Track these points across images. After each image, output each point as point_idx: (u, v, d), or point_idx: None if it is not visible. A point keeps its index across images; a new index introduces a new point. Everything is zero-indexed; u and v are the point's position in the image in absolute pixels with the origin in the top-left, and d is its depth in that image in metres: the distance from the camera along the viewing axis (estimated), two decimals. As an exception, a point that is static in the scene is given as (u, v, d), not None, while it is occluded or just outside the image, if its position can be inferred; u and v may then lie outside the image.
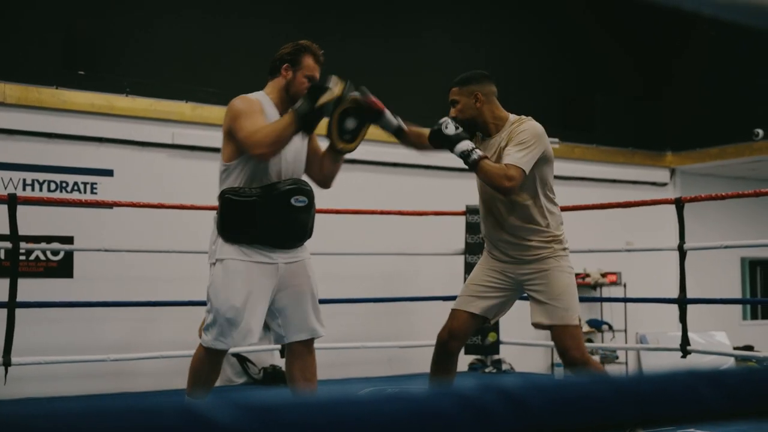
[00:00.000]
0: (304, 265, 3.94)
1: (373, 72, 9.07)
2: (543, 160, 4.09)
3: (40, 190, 7.21)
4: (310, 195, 3.90)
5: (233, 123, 3.76)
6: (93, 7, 7.65)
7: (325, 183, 4.13)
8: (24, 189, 7.11)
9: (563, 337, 3.98)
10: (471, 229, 7.50)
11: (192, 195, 6.87)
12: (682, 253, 6.14)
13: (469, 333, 4.25)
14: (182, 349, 6.30)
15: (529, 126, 4.07)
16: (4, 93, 7.07)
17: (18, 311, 5.67)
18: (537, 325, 4.13)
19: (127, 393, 7.02)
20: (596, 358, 9.85)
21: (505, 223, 4.12)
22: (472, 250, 7.46)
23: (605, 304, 10.15)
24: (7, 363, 5.57)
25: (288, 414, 0.76)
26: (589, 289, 10.05)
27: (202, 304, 6.68)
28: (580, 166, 10.25)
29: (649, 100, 10.93)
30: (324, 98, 3.81)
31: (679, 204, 6.16)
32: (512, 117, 4.18)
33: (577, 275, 9.84)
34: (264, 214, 3.77)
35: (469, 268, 7.47)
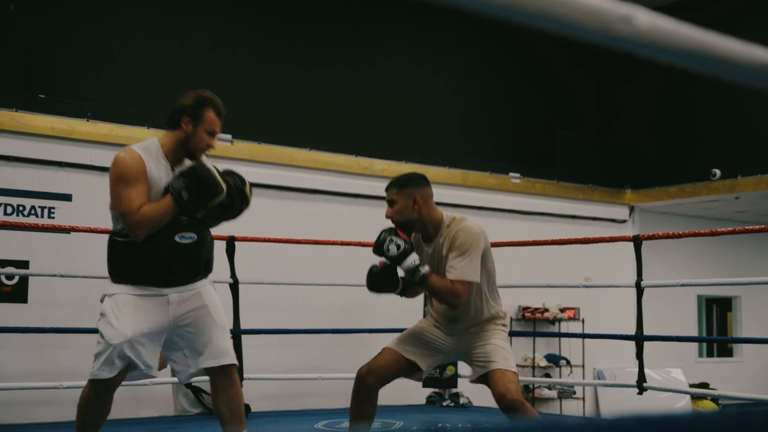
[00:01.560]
0: (200, 295, 3.83)
1: (338, 98, 9.12)
2: (483, 257, 4.14)
3: (17, 214, 7.14)
4: (198, 230, 3.81)
5: (113, 186, 3.67)
6: (55, 31, 7.63)
7: None
8: (-12, 213, 7.03)
9: (503, 380, 3.97)
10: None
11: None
12: (640, 290, 6.20)
13: (390, 374, 4.22)
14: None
15: (464, 230, 4.09)
16: (-37, 115, 7.00)
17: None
18: (477, 379, 4.17)
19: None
20: (553, 393, 9.88)
21: (457, 313, 4.18)
22: (432, 282, 7.48)
23: (563, 340, 10.19)
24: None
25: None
26: (547, 323, 10.10)
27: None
28: (541, 201, 10.33)
29: (610, 137, 11.07)
30: (213, 202, 3.78)
31: (637, 241, 6.22)
32: (446, 217, 4.20)
33: (535, 310, 9.94)
34: (149, 254, 3.70)
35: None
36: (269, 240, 6.87)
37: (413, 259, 4.01)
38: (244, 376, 6.52)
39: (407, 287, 4.28)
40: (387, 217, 4.17)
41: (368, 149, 9.08)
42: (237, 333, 6.54)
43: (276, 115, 8.68)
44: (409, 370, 4.24)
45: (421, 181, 4.21)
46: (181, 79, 8.05)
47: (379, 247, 4.06)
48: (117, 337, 3.65)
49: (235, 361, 3.89)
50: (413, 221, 4.13)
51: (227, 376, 3.84)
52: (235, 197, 3.87)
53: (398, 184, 4.17)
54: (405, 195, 4.13)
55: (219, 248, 6.62)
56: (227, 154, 8.16)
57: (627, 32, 0.93)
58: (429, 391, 8.00)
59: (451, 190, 9.63)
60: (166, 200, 3.67)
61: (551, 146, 10.59)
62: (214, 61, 8.30)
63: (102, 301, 3.78)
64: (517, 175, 10.24)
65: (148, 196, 3.67)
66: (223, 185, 3.76)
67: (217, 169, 3.80)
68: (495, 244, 7.69)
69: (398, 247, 4.02)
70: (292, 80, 8.88)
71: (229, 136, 8.09)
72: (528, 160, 10.47)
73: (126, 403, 6.83)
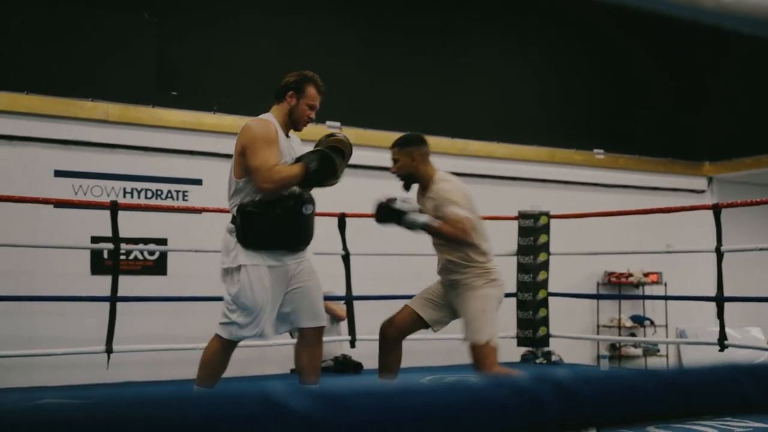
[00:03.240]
0: (309, 265, 4.02)
1: (434, 84, 9.05)
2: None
3: (138, 197, 7.33)
4: (313, 202, 4.01)
5: (251, 145, 3.79)
6: (183, 35, 7.77)
7: None
8: (124, 196, 7.24)
9: (474, 356, 4.15)
10: (523, 232, 7.42)
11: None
12: (720, 255, 6.01)
13: (407, 328, 4.42)
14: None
15: (442, 182, 4.26)
16: (107, 112, 7.20)
17: (119, 305, 5.77)
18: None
19: (236, 385, 7.08)
20: (639, 351, 9.67)
21: (447, 257, 4.33)
22: (524, 251, 7.39)
23: (647, 302, 9.97)
24: (109, 350, 5.67)
25: (358, 401, 0.75)
26: (631, 287, 9.88)
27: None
28: (624, 175, 10.10)
29: (688, 112, 10.71)
30: (334, 180, 3.96)
31: (717, 210, 6.03)
32: (436, 176, 4.32)
33: (620, 275, 9.72)
34: (281, 224, 3.84)
35: (521, 267, 7.40)
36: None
37: (424, 216, 4.15)
38: (357, 337, 6.57)
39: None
40: (392, 173, 4.36)
41: (463, 131, 9.00)
42: (349, 299, 6.59)
43: (378, 102, 8.67)
44: (423, 324, 4.44)
45: (419, 141, 4.36)
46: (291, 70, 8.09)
47: (389, 210, 4.15)
48: (255, 306, 3.80)
49: (326, 323, 4.10)
50: (412, 176, 4.31)
51: (318, 336, 4.02)
52: (346, 159, 4.06)
53: (399, 143, 4.36)
54: (405, 153, 4.31)
55: (332, 223, 6.70)
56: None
57: (713, 5, 0.86)
58: (523, 349, 7.92)
59: (539, 167, 9.49)
60: (297, 167, 3.82)
61: (632, 123, 10.33)
62: (319, 52, 8.33)
63: (234, 269, 3.85)
64: (601, 151, 10.01)
65: (278, 159, 3.83)
66: (339, 173, 3.96)
67: (339, 143, 4.02)
68: (582, 215, 7.58)
69: (404, 201, 4.18)
70: (392, 68, 8.85)
71: (338, 123, 8.12)
72: (611, 136, 10.21)
73: (254, 362, 6.97)
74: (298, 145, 4.10)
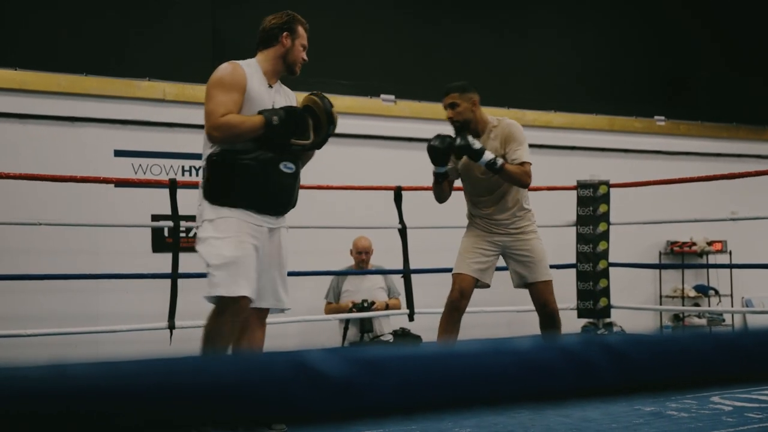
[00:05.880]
0: (279, 234, 3.60)
1: (490, 55, 8.94)
2: None
3: (196, 174, 7.40)
4: (296, 162, 3.60)
5: (208, 89, 3.47)
6: (236, 11, 7.79)
7: None
8: (183, 174, 7.32)
9: (545, 291, 4.44)
10: (582, 202, 7.31)
11: (335, 177, 6.88)
12: (786, 221, 5.84)
13: (470, 295, 4.49)
14: (315, 313, 6.47)
15: (514, 125, 4.42)
16: (165, 91, 7.28)
17: (180, 281, 5.85)
18: (521, 284, 4.52)
19: (275, 350, 7.15)
20: (703, 321, 9.49)
21: (500, 203, 4.46)
22: (583, 221, 7.28)
23: (711, 271, 9.75)
24: (171, 326, 5.76)
25: (394, 366, 0.72)
26: (695, 256, 9.68)
27: (328, 274, 6.73)
28: (686, 141, 9.87)
29: (752, 76, 10.39)
30: (300, 140, 3.54)
31: (783, 174, 5.85)
32: (491, 118, 4.48)
33: (683, 244, 9.53)
34: (254, 178, 3.43)
35: (580, 238, 7.30)
36: (432, 188, 6.83)
37: (491, 154, 4.24)
38: (415, 310, 6.57)
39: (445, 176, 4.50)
40: (449, 118, 4.40)
41: (519, 101, 8.88)
42: (407, 273, 6.58)
43: (434, 75, 8.59)
44: (478, 284, 4.51)
45: (473, 88, 4.47)
46: (345, 47, 8.07)
47: (464, 146, 4.22)
48: (228, 254, 3.36)
49: (287, 306, 3.70)
50: (470, 122, 4.39)
51: (260, 318, 3.66)
52: (323, 120, 3.61)
53: (459, 89, 4.43)
54: (466, 99, 4.40)
55: (388, 197, 6.68)
56: (392, 113, 8.16)
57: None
58: (584, 321, 7.83)
59: (598, 135, 9.33)
60: (256, 118, 3.44)
61: (694, 88, 10.07)
62: (378, 27, 8.27)
63: (199, 226, 3.45)
64: (662, 117, 9.79)
65: (239, 107, 3.47)
66: (312, 136, 3.57)
67: (316, 104, 3.61)
68: (642, 184, 7.43)
69: (476, 141, 4.25)
70: (446, 40, 8.76)
71: (392, 97, 8.08)
72: (672, 102, 9.98)
73: (307, 335, 7.02)
74: (287, 98, 3.75)
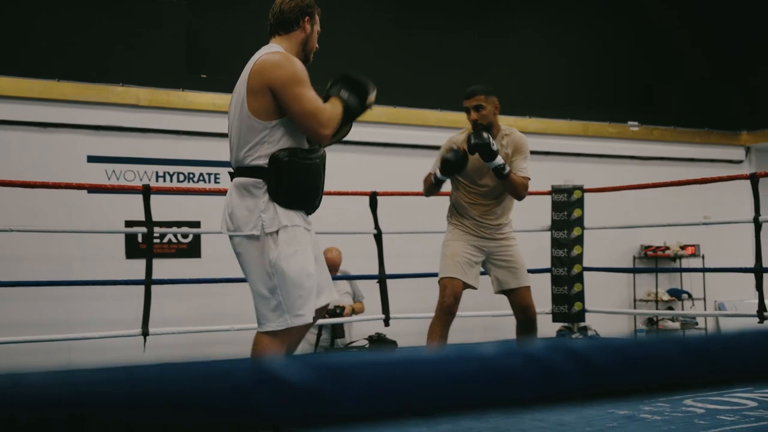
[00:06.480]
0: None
1: (466, 61, 8.97)
2: None
3: (171, 180, 7.37)
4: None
5: (293, 84, 3.09)
6: (211, 17, 7.77)
7: None
8: (156, 180, 7.28)
9: (527, 296, 4.48)
10: (557, 207, 7.34)
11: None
12: (758, 225, 5.90)
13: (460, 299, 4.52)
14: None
15: (523, 138, 4.47)
16: (138, 96, 7.24)
17: (154, 287, 5.81)
18: (501, 290, 4.54)
19: (234, 360, 7.13)
20: (676, 324, 9.56)
21: (496, 209, 4.51)
22: (558, 226, 7.31)
23: (684, 275, 9.83)
24: (145, 333, 5.72)
25: (359, 373, 0.72)
26: (669, 260, 9.76)
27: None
28: (659, 146, 9.96)
29: (724, 82, 10.50)
30: (370, 98, 3.32)
31: (754, 179, 5.90)
32: (502, 126, 4.49)
33: (657, 248, 9.60)
34: (318, 178, 3.21)
35: (555, 242, 7.33)
36: (407, 194, 6.84)
37: (501, 159, 4.26)
38: (391, 315, 6.57)
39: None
40: (473, 120, 4.34)
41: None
42: (383, 278, 6.58)
43: (410, 79, 8.61)
44: (467, 287, 4.52)
45: (495, 92, 4.45)
46: (320, 51, 8.05)
47: (485, 142, 4.19)
48: (306, 276, 3.13)
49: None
50: (491, 125, 4.37)
51: (321, 314, 3.48)
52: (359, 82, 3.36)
53: (485, 91, 4.40)
54: (490, 102, 4.38)
55: (363, 202, 6.68)
56: (367, 118, 8.15)
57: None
58: (559, 325, 7.87)
59: (573, 141, 9.38)
60: (337, 105, 3.22)
61: (667, 94, 10.16)
62: (356, 33, 8.27)
63: (270, 234, 3.11)
64: (636, 123, 9.87)
65: None
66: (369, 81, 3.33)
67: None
68: (616, 189, 7.48)
69: (494, 146, 4.23)
70: (423, 46, 8.78)
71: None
72: (645, 108, 10.06)
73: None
74: None
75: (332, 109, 3.17)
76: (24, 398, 0.61)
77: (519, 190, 4.37)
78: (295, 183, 3.13)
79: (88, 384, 0.65)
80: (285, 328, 3.08)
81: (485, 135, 4.23)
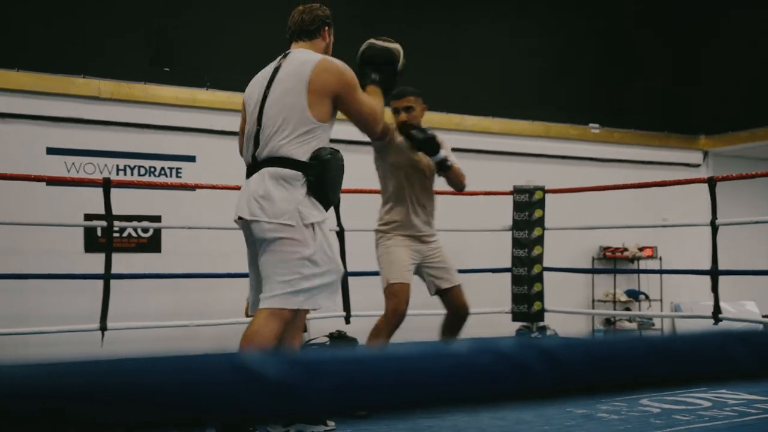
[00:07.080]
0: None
1: (429, 60, 8.99)
2: None
3: (132, 174, 7.30)
4: None
5: (353, 92, 3.31)
6: (175, 10, 7.70)
7: None
8: (117, 173, 7.20)
9: (462, 294, 4.48)
10: (518, 207, 7.40)
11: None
12: (714, 229, 6.00)
13: None
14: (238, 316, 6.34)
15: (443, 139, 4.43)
16: (99, 89, 7.15)
17: (113, 282, 5.75)
18: (439, 291, 4.50)
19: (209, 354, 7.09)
20: (633, 325, 9.69)
21: (426, 210, 4.47)
22: (519, 226, 7.37)
23: (642, 276, 9.97)
24: (103, 328, 5.66)
25: (332, 368, 0.72)
26: (627, 261, 9.88)
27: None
28: (619, 149, 10.08)
29: (684, 87, 10.66)
30: (400, 66, 3.72)
31: (712, 183, 6.01)
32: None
33: (616, 249, 9.73)
34: (340, 177, 3.37)
35: (516, 242, 7.38)
36: (369, 191, 6.84)
37: (444, 152, 4.30)
38: (352, 313, 6.57)
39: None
40: (402, 121, 4.34)
41: (458, 106, 8.96)
42: (344, 275, 6.57)
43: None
44: None
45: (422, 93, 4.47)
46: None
47: (430, 137, 4.22)
48: (338, 269, 3.33)
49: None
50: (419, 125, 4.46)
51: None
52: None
53: (415, 93, 4.45)
54: (419, 104, 4.44)
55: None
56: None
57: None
58: (518, 324, 7.93)
59: (535, 142, 9.46)
60: (377, 95, 3.54)
61: (628, 97, 10.29)
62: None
63: (306, 226, 3.21)
64: (596, 125, 9.98)
65: None
66: (392, 44, 3.78)
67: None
68: (577, 190, 7.56)
69: (439, 137, 4.29)
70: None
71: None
72: (606, 111, 10.18)
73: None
74: None
75: (378, 102, 3.45)
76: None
77: (461, 179, 4.38)
78: (335, 180, 3.30)
79: (65, 376, 0.64)
80: (297, 309, 3.20)
81: (427, 129, 4.24)
